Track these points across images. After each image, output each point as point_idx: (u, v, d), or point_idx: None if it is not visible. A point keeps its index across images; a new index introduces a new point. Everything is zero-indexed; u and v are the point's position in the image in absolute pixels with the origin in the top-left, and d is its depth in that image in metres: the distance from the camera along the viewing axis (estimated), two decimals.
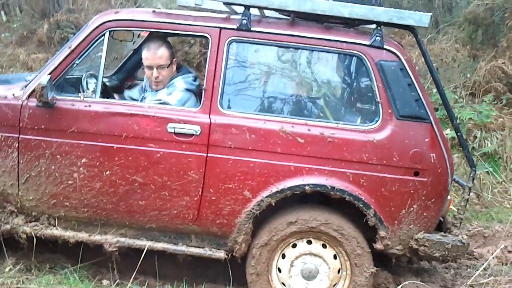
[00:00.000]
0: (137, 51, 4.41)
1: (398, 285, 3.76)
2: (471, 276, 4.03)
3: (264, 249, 3.49)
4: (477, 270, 4.00)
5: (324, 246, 3.52)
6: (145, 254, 3.52)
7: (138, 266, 3.54)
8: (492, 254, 4.62)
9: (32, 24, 8.94)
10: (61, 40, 8.27)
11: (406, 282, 3.79)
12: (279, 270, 3.55)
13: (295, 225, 3.45)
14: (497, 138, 6.74)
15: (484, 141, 6.71)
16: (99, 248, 3.60)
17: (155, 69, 3.68)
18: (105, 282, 3.74)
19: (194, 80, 3.76)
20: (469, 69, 7.71)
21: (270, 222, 3.50)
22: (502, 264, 4.63)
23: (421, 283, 3.88)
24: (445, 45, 8.06)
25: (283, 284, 3.56)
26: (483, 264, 4.23)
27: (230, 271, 3.64)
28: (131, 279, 3.58)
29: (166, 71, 3.70)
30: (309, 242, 3.52)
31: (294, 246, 3.53)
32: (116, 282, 3.67)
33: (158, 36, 3.82)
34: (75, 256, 3.78)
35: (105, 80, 4.06)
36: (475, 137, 6.71)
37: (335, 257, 3.52)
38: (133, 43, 4.41)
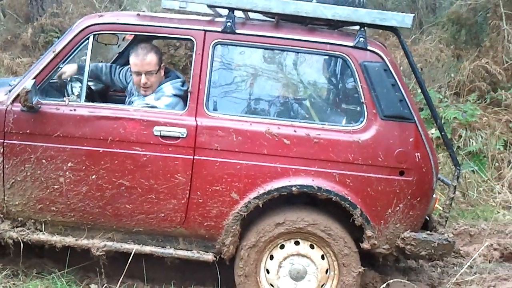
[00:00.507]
0: (122, 54, 4.41)
1: (385, 284, 3.78)
2: (457, 274, 4.06)
3: (252, 251, 3.49)
4: (463, 268, 4.02)
5: (311, 246, 3.53)
6: (132, 258, 3.51)
7: (125, 270, 3.53)
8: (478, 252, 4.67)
9: (16, 28, 8.91)
10: (46, 44, 8.22)
11: (392, 281, 3.81)
12: (267, 271, 3.56)
13: (282, 226, 3.45)
14: (481, 137, 6.79)
15: (469, 140, 6.77)
16: (86, 252, 3.58)
17: (143, 75, 3.65)
18: (93, 286, 3.72)
19: (182, 85, 3.74)
20: (453, 69, 7.77)
21: (258, 223, 3.50)
22: (488, 261, 4.68)
23: (408, 281, 3.90)
24: (429, 45, 8.12)
25: (272, 285, 3.57)
26: (468, 262, 4.27)
27: (218, 273, 3.64)
28: (119, 283, 3.57)
29: (154, 77, 3.68)
30: (297, 243, 3.52)
31: (282, 247, 3.53)
32: (104, 286, 3.66)
33: (146, 41, 3.81)
34: (62, 260, 3.76)
35: (90, 84, 4.04)
36: (460, 136, 6.76)
37: (322, 257, 3.53)
38: (118, 46, 4.40)
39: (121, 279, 3.56)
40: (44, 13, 8.57)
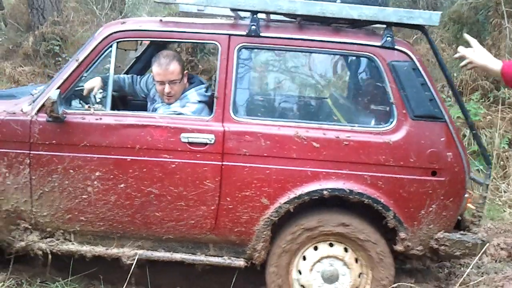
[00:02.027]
0: (139, 59, 4.37)
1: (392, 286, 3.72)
2: (464, 274, 3.99)
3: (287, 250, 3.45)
4: (469, 268, 3.94)
5: (345, 250, 3.50)
6: (136, 264, 3.47)
7: (129, 277, 3.47)
8: (486, 251, 4.61)
9: (17, 37, 8.86)
10: (47, 52, 8.18)
11: (396, 285, 3.70)
12: (300, 272, 3.52)
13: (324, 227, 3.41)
14: (486, 136, 6.81)
15: (473, 139, 6.76)
16: (90, 260, 3.55)
17: (167, 85, 3.61)
18: None
19: (206, 91, 3.70)
20: (455, 68, 7.79)
21: (301, 218, 3.44)
22: (496, 261, 4.65)
23: (414, 284, 3.78)
24: None
25: (302, 286, 3.53)
26: (476, 262, 4.22)
27: (234, 279, 3.61)
28: None
29: (178, 86, 3.65)
30: (331, 245, 3.49)
31: (316, 248, 3.50)
32: None
33: (165, 48, 3.76)
34: (66, 269, 3.70)
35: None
36: (464, 135, 6.76)
37: (356, 260, 3.51)
38: (136, 51, 4.36)
39: (125, 285, 3.50)
40: (45, 21, 8.51)
